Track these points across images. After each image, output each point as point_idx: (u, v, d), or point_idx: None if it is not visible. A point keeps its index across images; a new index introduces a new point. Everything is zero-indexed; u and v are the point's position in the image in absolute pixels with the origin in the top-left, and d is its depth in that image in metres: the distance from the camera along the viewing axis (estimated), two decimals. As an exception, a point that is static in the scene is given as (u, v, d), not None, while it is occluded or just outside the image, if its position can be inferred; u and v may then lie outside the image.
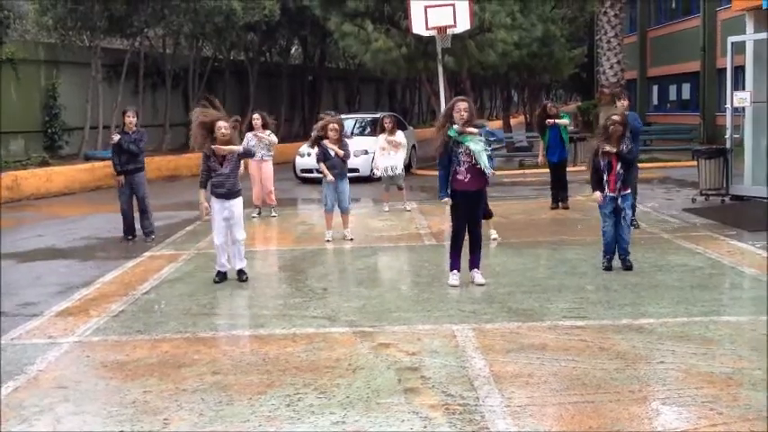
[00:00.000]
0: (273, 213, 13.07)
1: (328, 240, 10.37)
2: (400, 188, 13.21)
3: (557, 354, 5.45)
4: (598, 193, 8.01)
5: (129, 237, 11.06)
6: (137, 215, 11.08)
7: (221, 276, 8.19)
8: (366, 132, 20.50)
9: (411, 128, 23.23)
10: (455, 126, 7.32)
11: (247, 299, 7.57)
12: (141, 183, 10.99)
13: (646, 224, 10.93)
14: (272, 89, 31.63)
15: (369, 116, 22.26)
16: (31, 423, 4.55)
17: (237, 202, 8.11)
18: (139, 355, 5.78)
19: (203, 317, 6.89)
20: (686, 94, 28.96)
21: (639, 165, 20.02)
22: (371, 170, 18.86)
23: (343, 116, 23.43)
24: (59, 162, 19.86)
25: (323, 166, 10.48)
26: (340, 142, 10.46)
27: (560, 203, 12.61)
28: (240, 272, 8.21)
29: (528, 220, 11.66)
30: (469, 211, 7.54)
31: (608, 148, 7.86)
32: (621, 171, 7.90)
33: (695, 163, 13.68)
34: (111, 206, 13.27)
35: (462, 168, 7.35)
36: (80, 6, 20.48)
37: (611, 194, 7.95)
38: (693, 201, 12.95)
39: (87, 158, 20.47)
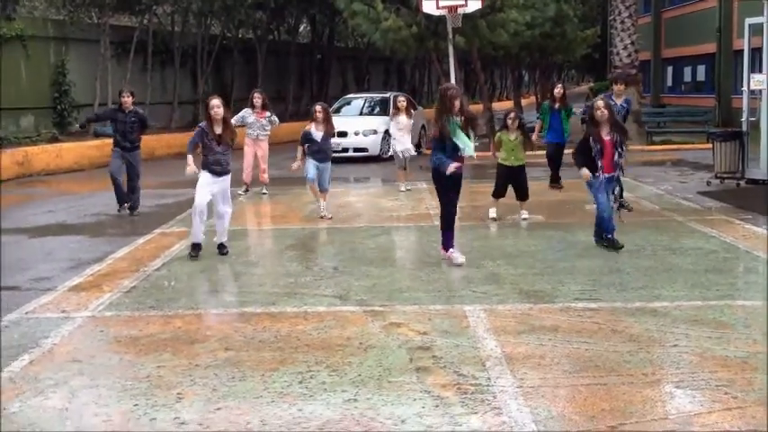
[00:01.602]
0: (264, 191, 13.14)
1: (323, 216, 10.50)
2: (404, 168, 13.30)
3: (569, 336, 5.44)
4: (585, 170, 8.07)
5: (125, 205, 11.30)
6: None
7: (197, 249, 8.20)
8: (375, 112, 20.43)
9: (421, 108, 23.13)
10: (456, 119, 7.49)
11: (258, 277, 7.56)
12: (137, 161, 11.35)
13: (659, 206, 10.89)
14: (280, 67, 31.49)
15: (378, 96, 22.16)
16: (47, 395, 4.57)
17: (228, 178, 8.34)
18: (152, 330, 5.79)
19: (215, 294, 6.91)
20: (701, 76, 28.72)
21: (654, 147, 20.13)
22: (380, 150, 18.89)
23: (352, 95, 23.59)
24: (69, 138, 19.88)
25: (300, 150, 10.66)
26: (326, 123, 10.52)
27: (554, 183, 12.66)
28: (221, 245, 8.36)
29: (538, 202, 11.58)
30: (450, 192, 7.74)
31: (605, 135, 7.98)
32: (618, 158, 8.02)
33: (710, 146, 13.59)
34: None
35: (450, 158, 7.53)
36: (89, -18, 20.42)
37: (607, 176, 8.04)
38: (708, 184, 12.87)
39: (97, 135, 20.42)
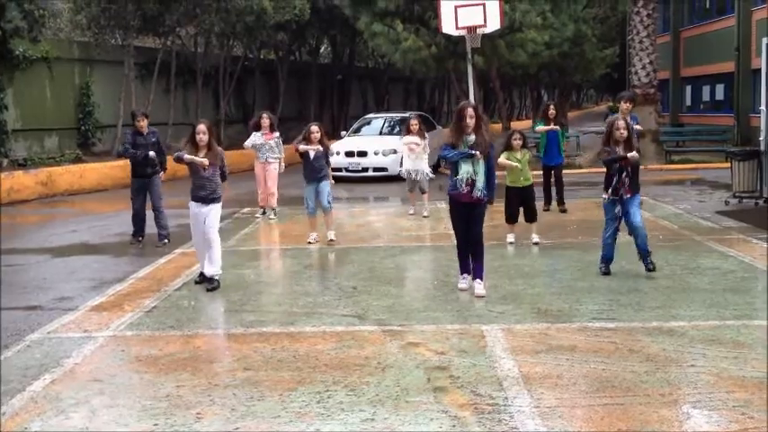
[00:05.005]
0: (272, 216, 12.83)
1: (310, 243, 10.34)
2: (423, 192, 12.84)
3: (586, 355, 5.45)
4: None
5: (140, 238, 10.82)
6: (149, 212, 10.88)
7: (202, 277, 8.05)
8: (395, 132, 20.56)
9: (440, 127, 23.23)
10: (470, 138, 7.14)
11: (277, 296, 7.63)
12: (158, 184, 10.75)
13: (677, 226, 10.85)
14: (301, 88, 31.79)
15: (398, 115, 22.31)
16: (68, 415, 4.65)
17: (214, 207, 7.91)
18: (172, 349, 5.87)
19: (234, 313, 6.98)
20: (720, 95, 28.61)
21: (672, 166, 20.06)
22: (400, 169, 18.95)
23: (371, 115, 23.75)
24: (92, 159, 20.17)
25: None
26: (320, 143, 10.32)
27: (558, 206, 12.52)
28: (210, 279, 7.88)
29: (555, 221, 11.61)
30: (465, 223, 7.32)
31: (622, 152, 7.82)
32: (626, 178, 7.85)
33: (729, 165, 13.53)
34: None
35: (461, 178, 7.17)
36: (113, 5, 20.75)
37: (615, 198, 7.88)
38: (726, 203, 12.81)
39: (120, 155, 20.73)
